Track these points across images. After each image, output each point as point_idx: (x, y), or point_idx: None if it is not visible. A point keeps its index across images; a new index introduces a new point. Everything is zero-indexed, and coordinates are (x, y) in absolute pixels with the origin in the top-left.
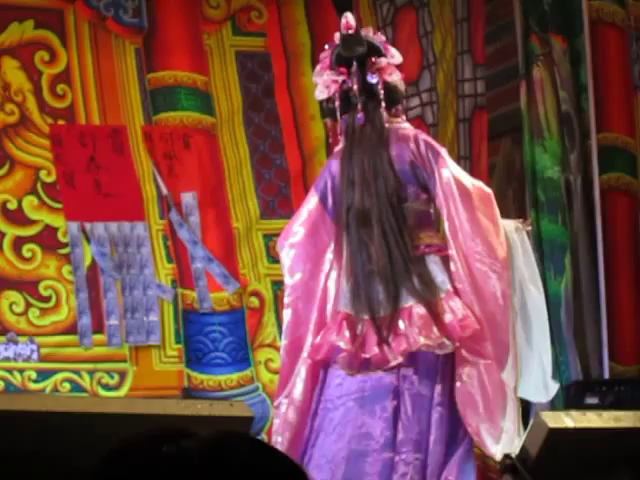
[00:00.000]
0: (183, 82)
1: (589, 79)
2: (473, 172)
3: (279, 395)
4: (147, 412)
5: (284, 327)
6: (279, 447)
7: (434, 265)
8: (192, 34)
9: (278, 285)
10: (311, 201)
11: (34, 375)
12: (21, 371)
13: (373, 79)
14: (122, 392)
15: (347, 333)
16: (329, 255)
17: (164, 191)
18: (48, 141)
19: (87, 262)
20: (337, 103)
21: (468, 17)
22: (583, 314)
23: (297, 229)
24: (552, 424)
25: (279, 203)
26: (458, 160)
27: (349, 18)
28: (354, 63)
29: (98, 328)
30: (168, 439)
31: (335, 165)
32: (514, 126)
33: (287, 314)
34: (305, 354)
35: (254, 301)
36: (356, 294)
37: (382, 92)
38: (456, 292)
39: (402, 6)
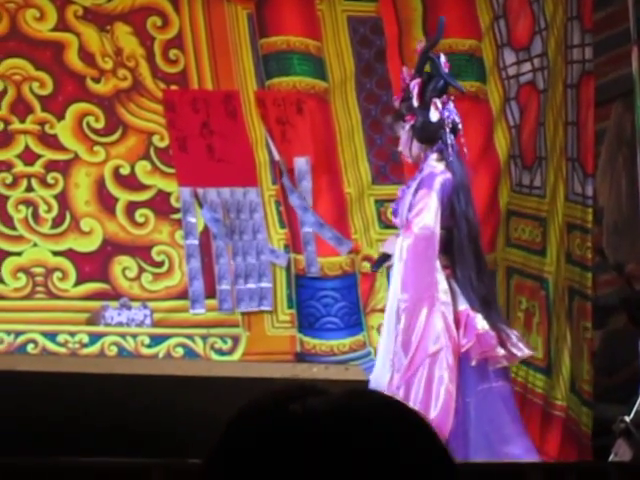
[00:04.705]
0: (296, 47)
1: None
2: (579, 138)
3: None
4: (264, 375)
5: None
6: None
7: None
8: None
9: None
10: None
11: (147, 340)
12: (134, 336)
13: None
14: (235, 357)
15: None
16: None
17: (276, 156)
18: (161, 106)
19: (200, 227)
20: (448, 130)
21: None
22: None
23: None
24: None
25: (390, 169)
26: (565, 126)
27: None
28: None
29: (211, 293)
30: (295, 397)
31: (448, 180)
32: (624, 91)
33: None
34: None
35: (366, 266)
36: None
37: None
38: None
39: None
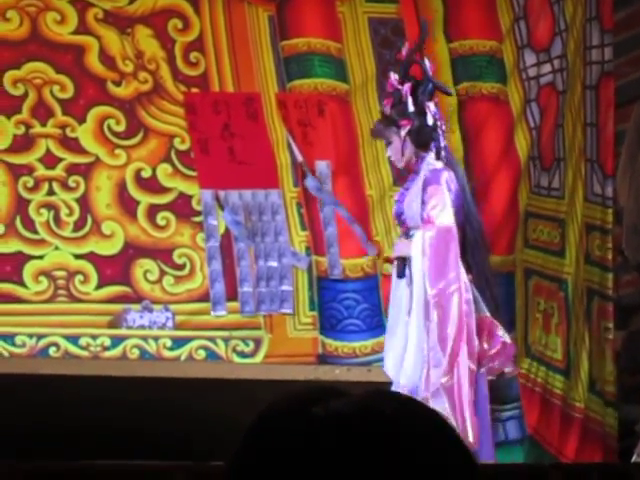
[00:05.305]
0: (317, 49)
1: None
2: (599, 139)
3: None
4: (286, 378)
5: None
6: None
7: None
8: (325, 1)
9: None
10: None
11: (169, 343)
12: (156, 339)
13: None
14: (257, 359)
15: None
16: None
17: (299, 158)
18: (182, 109)
19: (221, 230)
20: (441, 132)
21: None
22: None
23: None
24: None
25: None
26: (584, 127)
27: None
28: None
29: (232, 296)
30: (317, 400)
31: (452, 178)
32: None
33: None
34: None
35: (388, 268)
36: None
37: None
38: None
39: None
